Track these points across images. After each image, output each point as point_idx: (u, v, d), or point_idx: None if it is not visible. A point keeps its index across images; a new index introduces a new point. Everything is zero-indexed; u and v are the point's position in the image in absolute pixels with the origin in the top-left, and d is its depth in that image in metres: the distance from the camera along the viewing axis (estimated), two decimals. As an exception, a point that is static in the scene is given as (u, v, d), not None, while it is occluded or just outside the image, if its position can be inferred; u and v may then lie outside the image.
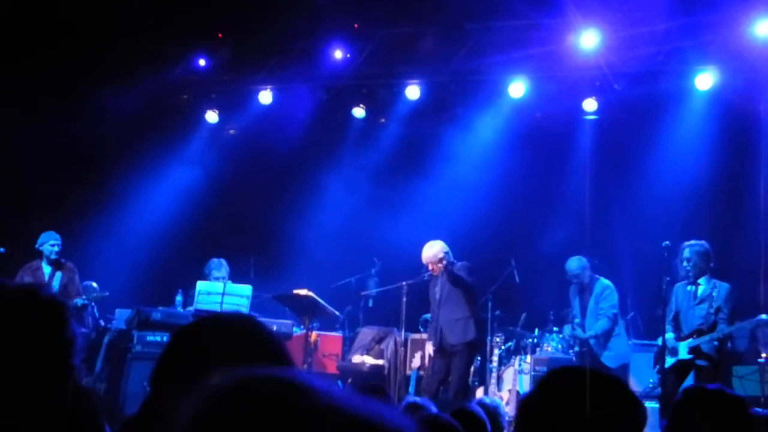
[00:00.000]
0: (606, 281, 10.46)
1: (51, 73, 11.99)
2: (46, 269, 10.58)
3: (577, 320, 10.48)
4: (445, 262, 9.88)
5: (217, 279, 11.03)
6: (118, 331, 11.14)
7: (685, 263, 9.50)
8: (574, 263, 10.51)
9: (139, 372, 9.97)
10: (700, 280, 9.52)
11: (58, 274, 10.55)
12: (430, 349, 10.24)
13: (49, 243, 10.54)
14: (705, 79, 11.50)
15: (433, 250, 10.02)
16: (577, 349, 10.57)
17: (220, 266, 11.20)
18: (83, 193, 12.52)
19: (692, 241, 9.58)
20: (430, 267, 10.06)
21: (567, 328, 10.76)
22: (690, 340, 9.40)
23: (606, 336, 10.28)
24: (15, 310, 1.94)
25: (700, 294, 9.52)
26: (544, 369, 10.74)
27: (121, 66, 12.23)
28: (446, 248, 10.07)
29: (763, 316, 10.23)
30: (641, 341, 11.14)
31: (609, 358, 10.17)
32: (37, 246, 10.61)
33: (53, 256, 10.53)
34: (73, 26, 11.73)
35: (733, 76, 11.46)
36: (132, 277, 12.11)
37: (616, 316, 10.40)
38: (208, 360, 1.71)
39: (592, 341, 10.30)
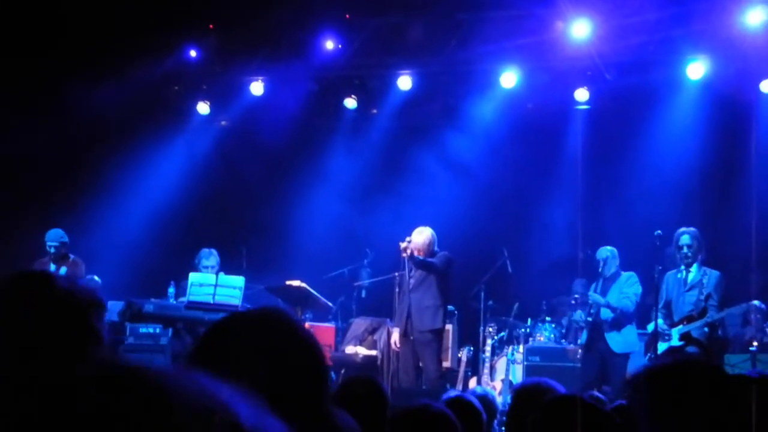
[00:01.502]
0: (631, 272, 10.38)
1: (39, 67, 11.94)
2: (53, 265, 10.72)
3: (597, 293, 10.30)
4: (409, 251, 9.83)
5: (206, 268, 11.03)
6: (110, 323, 11.13)
7: (685, 249, 9.53)
8: (607, 251, 10.38)
9: (132, 364, 9.94)
10: (691, 267, 9.57)
11: (63, 268, 10.65)
12: (395, 336, 10.21)
13: (47, 244, 10.75)
14: (696, 69, 11.52)
15: (422, 237, 10.02)
16: (584, 332, 10.38)
17: (209, 255, 11.19)
18: (74, 186, 12.49)
19: (686, 228, 9.62)
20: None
21: (579, 313, 10.59)
22: (680, 326, 9.44)
23: (623, 319, 10.19)
24: (45, 300, 1.97)
25: (690, 281, 9.58)
26: (537, 358, 10.77)
27: (111, 58, 12.18)
28: (434, 237, 10.09)
29: (755, 302, 10.29)
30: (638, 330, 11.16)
31: (618, 343, 10.09)
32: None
33: (52, 251, 10.70)
34: (61, 19, 11.68)
35: (724, 65, 11.47)
36: (124, 269, 12.08)
37: (637, 303, 10.31)
38: (238, 356, 1.73)
39: (608, 316, 10.14)
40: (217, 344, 1.83)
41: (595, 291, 10.33)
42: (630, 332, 10.26)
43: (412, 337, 9.99)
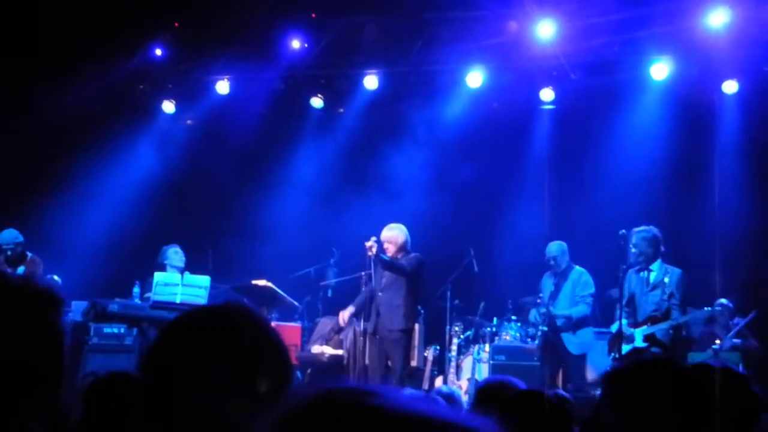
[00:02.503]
0: (582, 269, 10.48)
1: (3, 67, 11.82)
2: (8, 267, 10.52)
3: (547, 305, 10.39)
4: (375, 250, 9.84)
5: (175, 258, 10.97)
6: (74, 323, 11.03)
7: (633, 249, 9.58)
8: (555, 247, 10.48)
9: (96, 364, 9.87)
10: (653, 266, 9.60)
11: (21, 267, 10.48)
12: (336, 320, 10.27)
13: (2, 246, 10.60)
14: (660, 69, 11.62)
15: (393, 233, 10.03)
16: (539, 335, 10.50)
17: (175, 249, 11.13)
18: (38, 185, 12.37)
19: (640, 227, 9.65)
20: (390, 252, 10.01)
21: (533, 313, 10.70)
22: (644, 327, 9.49)
23: (579, 322, 10.30)
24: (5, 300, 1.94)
25: (653, 280, 9.60)
26: (503, 357, 10.81)
27: (76, 56, 12.08)
28: (407, 235, 10.09)
29: (723, 300, 10.39)
30: (598, 329, 11.23)
31: (574, 345, 10.20)
32: None
33: (9, 253, 10.57)
34: (26, 18, 11.57)
35: (687, 65, 11.59)
36: (88, 269, 11.99)
37: (592, 304, 10.44)
38: (200, 355, 1.71)
39: (560, 323, 10.27)
40: (178, 343, 1.80)
41: (550, 291, 10.43)
42: (586, 333, 10.37)
43: (378, 336, 10.00)
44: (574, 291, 10.34)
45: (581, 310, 10.27)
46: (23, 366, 1.85)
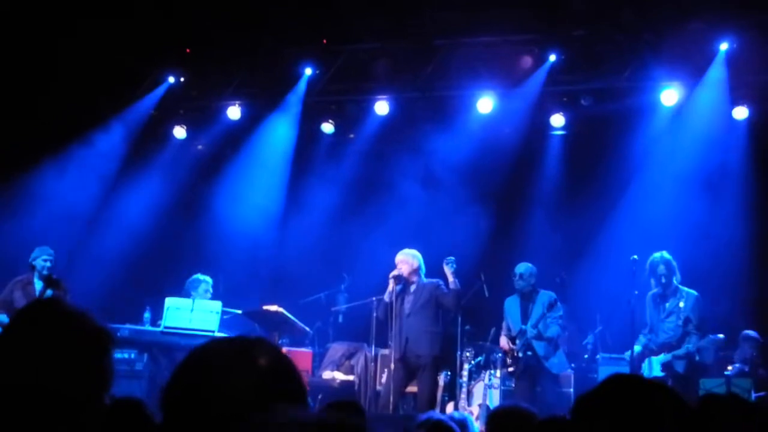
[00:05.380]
0: (551, 292, 10.47)
1: (15, 87, 11.91)
2: (38, 284, 10.25)
3: (525, 331, 10.40)
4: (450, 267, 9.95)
5: (207, 294, 10.99)
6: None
7: (663, 279, 9.52)
8: (524, 267, 10.49)
9: (107, 390, 9.84)
10: (668, 291, 9.61)
11: (49, 291, 10.15)
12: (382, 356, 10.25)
13: (42, 258, 10.19)
14: (670, 95, 11.63)
15: (409, 255, 10.10)
16: (519, 358, 10.48)
17: (206, 291, 11.13)
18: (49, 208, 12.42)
19: (659, 253, 9.64)
20: (403, 272, 10.05)
21: (504, 339, 10.68)
22: (662, 355, 9.47)
23: (555, 343, 10.32)
24: (64, 330, 1.98)
25: (669, 306, 9.59)
26: (514, 383, 10.77)
27: (88, 82, 12.15)
28: (421, 260, 10.19)
29: (751, 332, 10.34)
30: (609, 354, 11.19)
31: (554, 365, 10.23)
32: (30, 260, 10.27)
33: (45, 272, 10.20)
34: (38, 40, 11.68)
35: (697, 91, 11.59)
36: (98, 294, 11.99)
37: (562, 326, 10.49)
38: (222, 387, 1.71)
39: (543, 344, 10.25)
40: (197, 376, 1.80)
41: (519, 314, 10.41)
42: (560, 352, 10.39)
43: (404, 362, 9.96)
44: (544, 313, 10.30)
45: (554, 330, 10.27)
46: (67, 398, 1.87)
